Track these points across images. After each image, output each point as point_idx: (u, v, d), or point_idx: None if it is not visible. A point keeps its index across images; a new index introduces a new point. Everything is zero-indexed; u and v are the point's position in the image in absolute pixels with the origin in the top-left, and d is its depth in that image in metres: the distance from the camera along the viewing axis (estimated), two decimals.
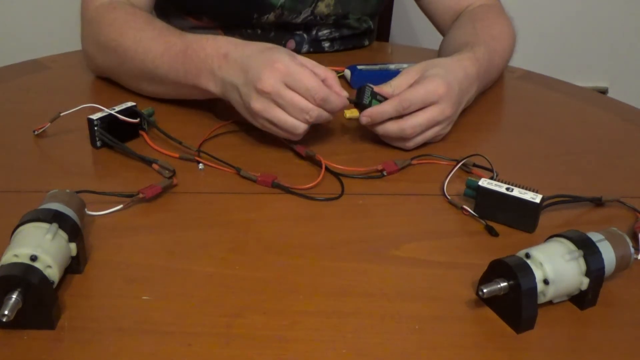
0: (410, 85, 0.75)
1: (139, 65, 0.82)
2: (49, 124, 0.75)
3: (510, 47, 0.94)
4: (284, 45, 1.04)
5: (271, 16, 0.99)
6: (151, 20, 0.85)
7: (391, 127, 0.74)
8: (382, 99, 0.74)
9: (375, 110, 0.73)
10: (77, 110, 0.74)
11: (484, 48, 0.85)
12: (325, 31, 1.05)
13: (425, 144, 0.77)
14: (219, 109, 0.83)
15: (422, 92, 0.73)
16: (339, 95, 0.72)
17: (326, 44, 1.07)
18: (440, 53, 0.96)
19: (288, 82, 0.69)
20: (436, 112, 0.74)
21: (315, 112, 0.70)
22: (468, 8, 1.00)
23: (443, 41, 0.97)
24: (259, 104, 0.70)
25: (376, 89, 0.75)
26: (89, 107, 0.74)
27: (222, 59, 0.75)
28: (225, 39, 0.76)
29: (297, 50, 1.05)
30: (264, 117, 0.71)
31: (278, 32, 1.03)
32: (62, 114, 0.75)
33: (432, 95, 0.73)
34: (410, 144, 0.76)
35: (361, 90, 0.74)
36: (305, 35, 1.04)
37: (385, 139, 0.76)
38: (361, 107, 0.74)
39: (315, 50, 1.06)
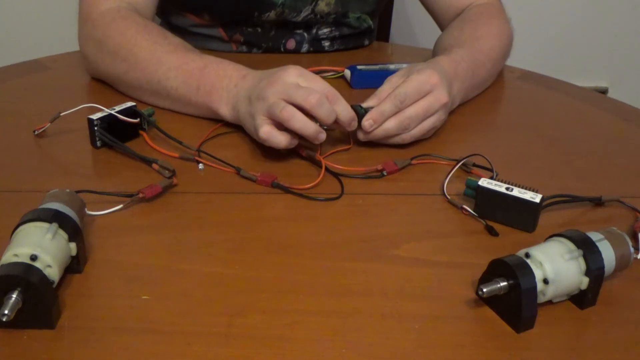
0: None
1: (147, 76, 0.81)
2: (49, 124, 0.76)
3: (500, 46, 0.94)
4: (284, 45, 1.04)
5: (272, 14, 0.99)
6: (166, 33, 0.85)
7: (389, 124, 0.74)
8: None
9: (374, 112, 0.73)
10: (77, 110, 0.74)
11: (463, 50, 0.86)
12: (325, 30, 1.05)
13: (424, 142, 0.77)
14: None
15: (415, 83, 0.74)
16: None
17: (326, 43, 1.07)
18: (432, 55, 0.97)
19: (303, 78, 0.70)
20: (431, 100, 0.74)
21: (326, 103, 0.69)
22: (468, 7, 1.00)
23: (435, 43, 0.98)
24: (272, 94, 0.69)
25: (364, 104, 0.75)
26: (88, 107, 0.74)
27: (241, 78, 0.76)
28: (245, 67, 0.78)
29: (297, 50, 1.05)
30: (275, 102, 0.68)
31: (278, 31, 1.03)
32: (62, 114, 0.75)
33: (425, 85, 0.74)
34: (407, 137, 0.75)
35: (353, 108, 0.73)
36: (305, 35, 1.04)
37: (386, 140, 0.76)
38: (360, 117, 0.73)
39: (315, 50, 1.06)
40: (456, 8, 1.01)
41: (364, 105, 0.75)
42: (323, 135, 0.70)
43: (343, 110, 0.71)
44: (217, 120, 0.80)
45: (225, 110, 0.77)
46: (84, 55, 0.90)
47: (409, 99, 0.73)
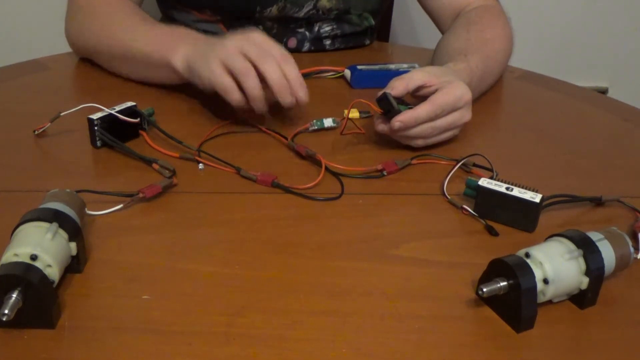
0: (437, 91, 0.74)
1: (116, 42, 0.87)
2: (49, 124, 0.75)
3: (505, 49, 0.94)
4: (286, 43, 1.04)
5: (274, 9, 0.99)
6: (144, 13, 0.90)
7: (414, 129, 0.73)
8: (402, 102, 0.74)
9: (409, 116, 0.72)
10: (77, 110, 0.74)
11: (477, 56, 0.86)
12: (327, 28, 1.05)
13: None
14: (219, 109, 0.83)
15: (452, 99, 0.73)
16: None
17: (327, 42, 1.07)
18: (435, 55, 0.96)
19: (262, 40, 0.76)
20: (457, 117, 0.75)
21: (278, 68, 0.74)
22: (467, 8, 1.00)
23: (438, 44, 0.98)
24: (231, 44, 0.74)
25: (393, 92, 0.73)
26: (88, 107, 0.74)
27: (205, 39, 0.81)
28: None
29: (299, 49, 1.05)
30: (234, 53, 0.74)
31: (280, 29, 1.03)
32: (62, 114, 0.75)
33: (460, 102, 0.74)
34: (421, 142, 0.75)
35: (384, 100, 0.72)
36: (307, 33, 1.04)
37: (394, 135, 0.75)
38: (393, 114, 0.72)
39: (316, 48, 1.06)
40: (454, 8, 1.01)
41: (393, 92, 0.73)
42: (263, 107, 0.75)
43: (290, 71, 0.75)
44: (216, 120, 0.80)
45: (177, 59, 0.81)
46: (67, 36, 0.96)
47: (444, 112, 0.73)
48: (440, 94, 0.73)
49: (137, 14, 0.90)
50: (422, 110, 0.72)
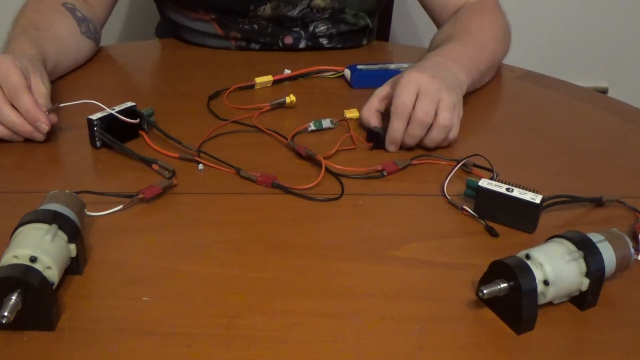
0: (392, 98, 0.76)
1: None
2: (47, 112, 0.75)
3: (495, 37, 0.94)
4: (282, 40, 1.04)
5: (267, 7, 0.99)
6: (38, 23, 0.90)
7: (408, 141, 0.75)
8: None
9: (390, 136, 0.75)
10: (76, 110, 0.74)
11: (454, 41, 0.87)
12: (322, 27, 1.05)
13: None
14: (219, 109, 0.83)
15: (404, 92, 0.74)
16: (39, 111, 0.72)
17: (324, 41, 1.06)
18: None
19: None
20: (427, 101, 0.73)
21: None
22: (464, 6, 1.00)
23: (430, 43, 0.98)
24: None
25: (373, 124, 0.77)
26: (88, 105, 0.74)
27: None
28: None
29: (296, 45, 1.05)
30: None
31: (275, 28, 1.03)
32: (60, 105, 0.75)
33: (410, 85, 0.74)
34: (429, 142, 0.76)
35: (370, 131, 0.77)
36: (302, 32, 1.04)
37: (405, 147, 0.77)
38: (382, 139, 0.76)
39: (313, 45, 1.06)
40: (452, 8, 1.01)
41: (373, 124, 0.78)
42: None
43: (23, 102, 0.72)
44: (216, 120, 0.80)
45: None
46: None
47: (407, 108, 0.73)
48: (394, 98, 0.75)
49: (28, 18, 0.89)
50: (393, 121, 0.74)
